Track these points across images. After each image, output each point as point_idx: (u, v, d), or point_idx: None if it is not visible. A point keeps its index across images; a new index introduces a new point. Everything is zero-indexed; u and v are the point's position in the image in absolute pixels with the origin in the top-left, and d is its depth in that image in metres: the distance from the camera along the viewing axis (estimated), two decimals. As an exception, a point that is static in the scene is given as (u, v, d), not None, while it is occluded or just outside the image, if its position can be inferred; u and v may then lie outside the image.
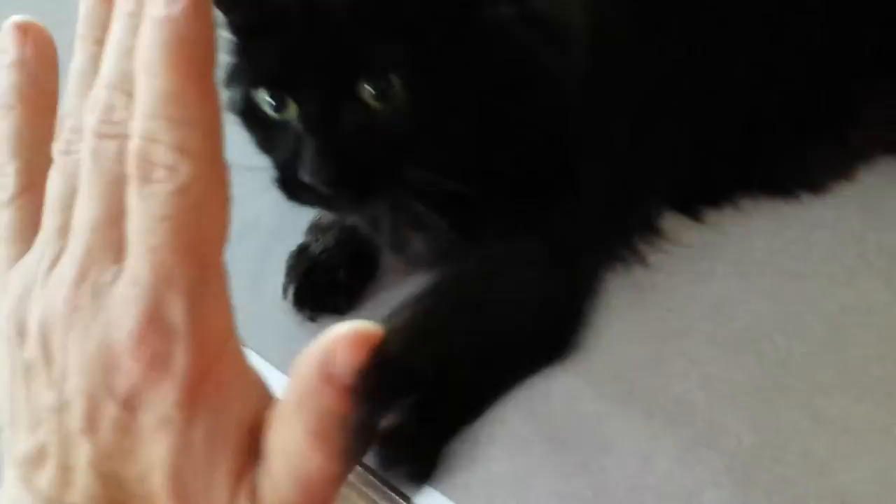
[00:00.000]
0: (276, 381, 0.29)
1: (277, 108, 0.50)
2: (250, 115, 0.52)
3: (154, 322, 0.25)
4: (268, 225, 0.72)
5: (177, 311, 0.25)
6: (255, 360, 0.62)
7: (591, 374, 0.61)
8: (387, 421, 0.37)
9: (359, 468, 0.57)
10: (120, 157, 0.26)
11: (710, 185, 0.70)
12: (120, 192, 0.26)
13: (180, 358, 0.26)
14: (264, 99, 0.51)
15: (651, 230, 0.68)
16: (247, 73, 0.51)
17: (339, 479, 0.27)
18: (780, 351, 0.63)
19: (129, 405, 0.26)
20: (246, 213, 0.68)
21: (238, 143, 0.54)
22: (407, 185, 0.50)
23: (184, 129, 0.25)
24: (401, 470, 0.42)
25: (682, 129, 0.66)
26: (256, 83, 0.51)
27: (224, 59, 0.53)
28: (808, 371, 0.62)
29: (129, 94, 0.26)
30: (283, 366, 0.62)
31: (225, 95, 0.54)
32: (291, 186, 0.51)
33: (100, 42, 0.28)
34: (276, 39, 0.48)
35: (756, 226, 0.69)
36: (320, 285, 0.65)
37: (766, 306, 0.65)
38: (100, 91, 0.27)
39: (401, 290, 0.66)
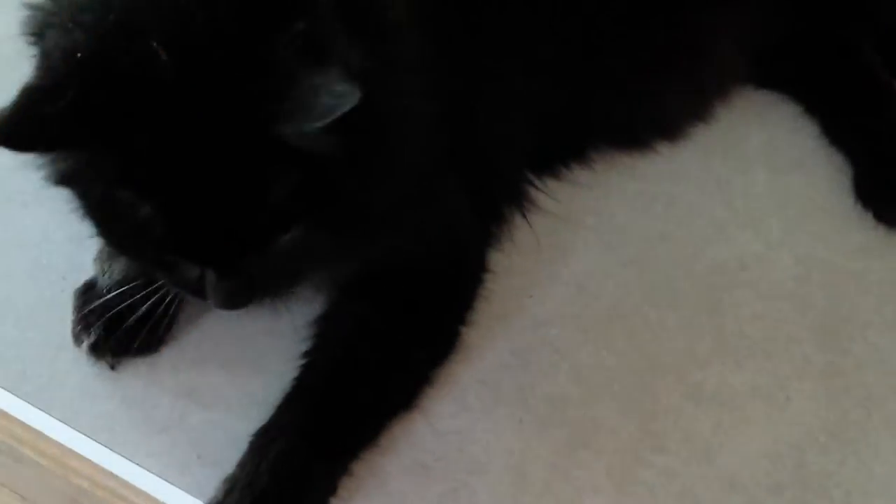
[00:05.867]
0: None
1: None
2: (104, 213, 0.46)
3: None
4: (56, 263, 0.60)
5: None
6: (59, 434, 0.53)
7: (448, 385, 0.54)
8: None
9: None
10: None
11: (565, 142, 0.64)
12: None
13: None
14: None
15: (519, 198, 0.62)
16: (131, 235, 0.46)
17: None
18: (651, 325, 0.57)
19: None
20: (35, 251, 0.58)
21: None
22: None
23: None
24: None
25: (528, 84, 0.60)
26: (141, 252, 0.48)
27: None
28: (683, 343, 0.57)
29: None
30: (93, 432, 0.54)
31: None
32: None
33: None
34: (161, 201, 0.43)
35: (617, 187, 0.63)
36: (118, 326, 0.54)
37: (633, 277, 0.59)
38: None
39: (217, 318, 0.58)
